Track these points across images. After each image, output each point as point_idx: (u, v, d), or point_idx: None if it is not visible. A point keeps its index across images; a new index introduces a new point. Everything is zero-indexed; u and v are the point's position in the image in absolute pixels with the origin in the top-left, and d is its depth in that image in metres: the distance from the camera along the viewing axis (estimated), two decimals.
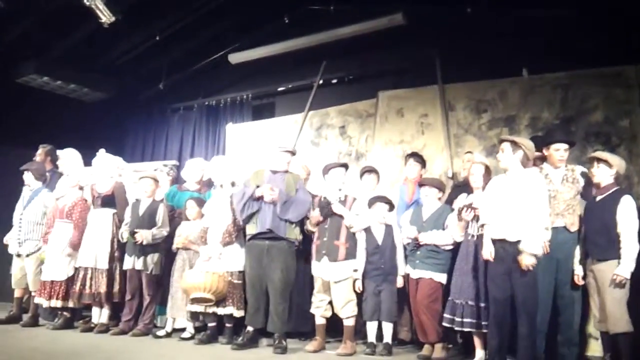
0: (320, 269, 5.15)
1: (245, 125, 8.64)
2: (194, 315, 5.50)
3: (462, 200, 4.90)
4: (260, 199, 5.20)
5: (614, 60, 5.84)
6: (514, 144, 4.37)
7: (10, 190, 6.83)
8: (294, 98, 8.45)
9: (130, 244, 5.71)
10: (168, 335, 5.65)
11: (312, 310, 5.21)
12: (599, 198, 4.42)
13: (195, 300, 5.27)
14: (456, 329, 4.68)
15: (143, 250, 5.68)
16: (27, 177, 6.51)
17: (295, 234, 5.25)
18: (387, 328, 5.06)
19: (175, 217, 6.02)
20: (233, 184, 5.69)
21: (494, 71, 6.54)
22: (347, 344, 5.01)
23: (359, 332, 5.36)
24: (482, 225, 4.43)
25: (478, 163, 4.93)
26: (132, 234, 5.65)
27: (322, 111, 7.78)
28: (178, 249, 5.72)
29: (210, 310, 5.35)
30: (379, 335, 5.08)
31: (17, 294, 6.46)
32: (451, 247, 4.95)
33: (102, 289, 5.77)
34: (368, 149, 7.22)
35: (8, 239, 6.48)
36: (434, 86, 6.88)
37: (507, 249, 4.21)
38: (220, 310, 5.34)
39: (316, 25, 7.56)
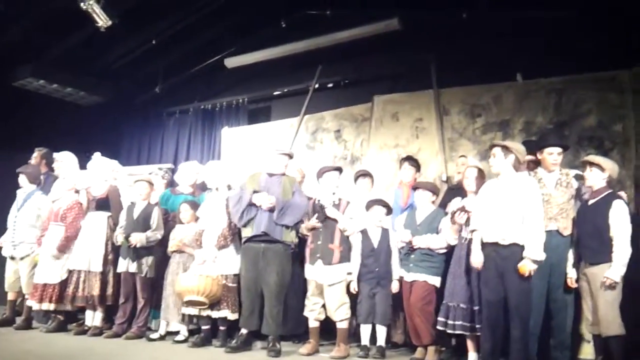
0: (314, 272, 5.16)
1: (241, 129, 8.65)
2: (188, 318, 5.50)
3: (456, 203, 4.91)
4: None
5: (608, 65, 5.87)
6: (505, 149, 4.39)
7: (6, 193, 6.82)
8: (290, 102, 8.47)
9: (124, 247, 5.71)
10: (162, 338, 5.64)
11: (306, 313, 5.21)
12: (591, 202, 4.44)
13: (189, 303, 5.27)
14: (449, 332, 4.69)
15: (137, 253, 5.68)
16: (22, 179, 6.52)
17: (291, 237, 5.25)
18: (381, 331, 5.06)
19: (169, 221, 6.03)
20: (229, 187, 5.70)
21: (489, 76, 6.56)
22: (341, 346, 5.02)
23: (353, 335, 5.36)
24: (472, 231, 4.46)
25: (472, 167, 4.96)
26: (127, 238, 5.65)
27: (318, 115, 7.80)
28: (172, 252, 5.72)
29: (204, 313, 5.35)
30: (373, 338, 5.07)
31: (10, 296, 6.45)
32: (445, 250, 4.97)
33: (96, 291, 5.76)
34: (363, 152, 7.23)
35: (2, 241, 6.47)
36: (429, 90, 6.90)
37: (500, 252, 4.23)
38: (215, 314, 5.34)
39: (312, 29, 7.58)
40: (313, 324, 5.19)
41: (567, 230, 4.58)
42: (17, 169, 6.61)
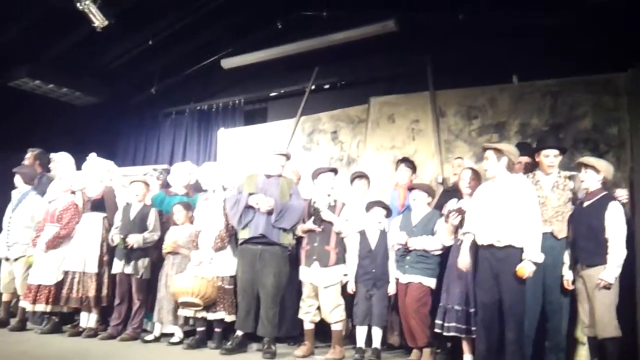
0: (310, 274, 5.16)
1: (237, 130, 8.64)
2: (183, 320, 5.48)
3: (452, 204, 4.92)
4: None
5: (603, 68, 5.88)
6: (498, 151, 4.40)
7: (2, 193, 6.81)
8: (286, 103, 8.48)
9: (120, 248, 5.69)
10: (156, 339, 5.62)
11: (301, 316, 5.21)
12: (586, 204, 4.44)
13: (183, 305, 5.26)
14: (445, 334, 4.69)
15: (133, 254, 5.67)
16: (17, 179, 6.51)
17: (288, 239, 5.25)
18: (377, 333, 5.06)
19: (163, 222, 6.01)
20: (224, 189, 5.69)
21: (485, 78, 6.58)
22: (336, 348, 5.02)
23: (348, 337, 5.36)
24: (464, 234, 4.47)
25: (467, 168, 4.97)
26: (124, 239, 5.64)
27: (314, 116, 7.80)
28: (167, 253, 5.71)
29: (199, 315, 5.34)
30: (368, 340, 5.07)
31: (4, 297, 6.44)
32: (440, 251, 4.98)
33: (91, 293, 5.74)
34: (359, 154, 7.24)
35: None
36: (425, 92, 6.91)
37: (495, 254, 4.24)
38: (211, 315, 5.33)
39: (309, 31, 7.59)
40: (308, 326, 5.18)
41: (561, 234, 4.58)
42: (12, 169, 6.59)
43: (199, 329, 5.42)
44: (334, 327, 5.07)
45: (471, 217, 4.48)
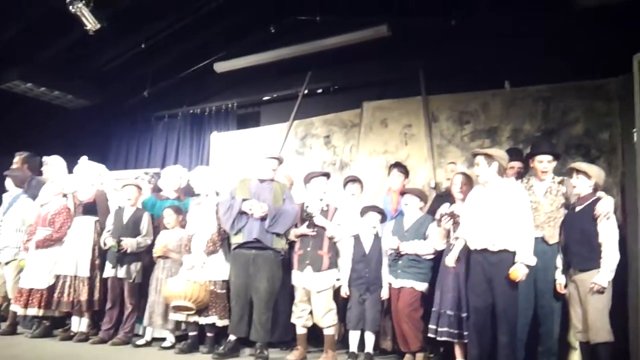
0: (302, 278, 5.14)
1: (230, 134, 8.63)
2: (175, 324, 5.46)
3: (444, 209, 4.93)
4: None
5: (595, 73, 5.92)
6: (488, 157, 4.42)
7: None
8: (279, 107, 8.48)
9: (112, 252, 5.66)
10: (148, 344, 5.60)
11: (294, 320, 5.19)
12: (578, 208, 4.46)
13: (176, 308, 5.24)
14: (438, 339, 4.70)
15: (126, 258, 5.65)
16: (8, 183, 6.48)
17: (281, 244, 5.24)
18: (369, 338, 5.05)
19: (155, 227, 5.98)
20: (217, 193, 5.67)
21: (477, 83, 6.60)
22: (329, 353, 5.01)
23: (341, 341, 5.36)
24: (456, 238, 4.49)
25: (459, 173, 5.00)
26: (119, 242, 5.61)
27: (307, 121, 7.80)
28: (157, 257, 5.68)
29: (191, 319, 5.31)
30: (361, 345, 5.07)
31: None
32: (432, 256, 4.99)
33: (83, 297, 5.71)
34: (352, 158, 7.24)
35: None
36: (418, 97, 6.93)
37: (489, 259, 4.25)
38: (203, 320, 5.30)
39: (302, 35, 7.59)
40: (301, 330, 5.17)
41: (552, 239, 4.60)
42: (3, 172, 6.55)
43: (191, 334, 5.39)
44: (326, 332, 5.06)
45: (464, 221, 4.50)
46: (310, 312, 5.12)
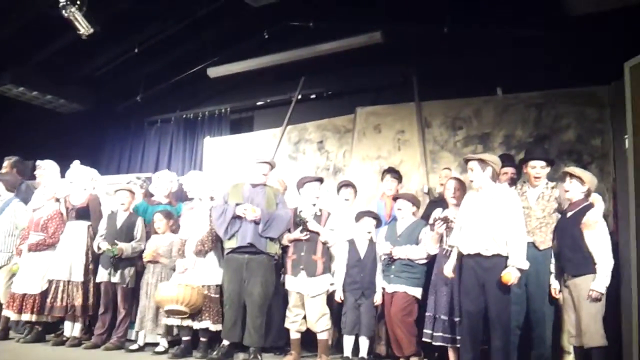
0: (296, 283, 5.14)
1: (223, 139, 8.64)
2: (166, 329, 5.44)
3: (437, 213, 4.95)
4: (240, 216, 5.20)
5: (587, 80, 5.98)
6: (482, 162, 4.44)
7: None
8: (273, 112, 8.50)
9: (105, 256, 5.65)
10: (141, 349, 5.58)
11: (287, 325, 5.19)
12: (569, 214, 4.48)
13: (170, 313, 5.22)
14: (434, 343, 4.71)
15: (119, 263, 5.63)
16: None
17: (275, 248, 5.24)
18: (363, 342, 5.07)
19: (146, 232, 5.97)
20: (212, 198, 5.67)
21: (469, 90, 6.65)
22: (323, 358, 5.02)
23: (335, 346, 5.36)
24: (451, 246, 4.51)
25: (452, 178, 5.02)
26: (113, 245, 5.59)
27: (301, 126, 7.82)
28: (147, 262, 5.65)
29: (185, 323, 5.29)
30: (355, 350, 5.07)
31: None
32: (425, 260, 5.01)
33: (78, 302, 5.67)
34: (346, 164, 7.27)
35: None
36: (411, 103, 6.97)
37: (482, 263, 4.27)
38: (196, 325, 5.28)
39: (295, 41, 7.60)
40: (294, 335, 5.17)
41: (543, 245, 4.62)
42: None
43: (184, 338, 5.37)
44: (320, 337, 5.06)
45: (458, 228, 4.52)
46: (304, 317, 5.12)
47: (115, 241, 5.63)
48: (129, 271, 5.69)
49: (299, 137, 7.79)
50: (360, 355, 5.04)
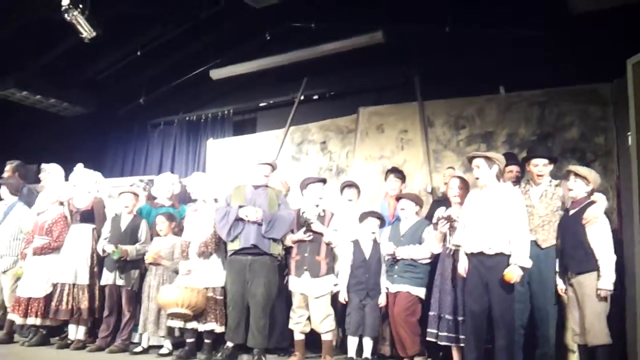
0: (300, 284, 5.14)
1: (226, 141, 8.64)
2: (168, 331, 5.43)
3: (440, 212, 4.94)
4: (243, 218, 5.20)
5: (590, 78, 5.96)
6: (488, 159, 4.43)
7: None
8: (276, 114, 8.49)
9: (110, 259, 5.65)
10: (145, 351, 5.57)
11: (291, 326, 5.19)
12: (572, 212, 4.47)
13: (173, 316, 5.22)
14: (440, 343, 4.70)
15: (124, 266, 5.63)
16: (3, 191, 6.45)
17: (278, 249, 5.25)
18: (367, 343, 5.06)
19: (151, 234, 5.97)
20: (216, 200, 5.67)
21: (472, 88, 6.64)
22: (327, 359, 5.01)
23: (339, 347, 5.35)
24: (457, 246, 4.49)
25: (455, 177, 5.01)
26: (116, 246, 5.59)
27: (303, 127, 7.82)
28: (149, 264, 5.65)
29: (189, 326, 5.29)
30: (359, 350, 5.07)
31: None
32: (429, 260, 5.00)
33: (84, 304, 5.69)
34: (349, 164, 7.26)
35: None
36: (414, 103, 6.97)
37: (485, 262, 4.26)
38: (201, 327, 5.28)
39: (297, 42, 7.60)
40: (298, 336, 5.17)
41: (545, 243, 4.60)
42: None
43: (188, 340, 5.37)
44: (324, 337, 5.06)
45: (462, 228, 4.50)
46: (308, 318, 5.12)
47: (119, 245, 5.63)
48: (134, 274, 5.70)
49: (301, 138, 7.79)
50: (364, 356, 5.02)
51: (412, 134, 6.90)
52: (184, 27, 7.60)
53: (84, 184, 6.18)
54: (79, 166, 6.33)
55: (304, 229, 5.20)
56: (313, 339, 5.22)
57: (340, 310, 5.24)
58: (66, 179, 6.48)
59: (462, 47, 6.78)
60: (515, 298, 4.34)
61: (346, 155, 7.35)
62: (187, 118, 9.41)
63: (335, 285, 5.17)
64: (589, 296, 4.23)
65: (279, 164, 7.10)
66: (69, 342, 5.80)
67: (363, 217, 5.30)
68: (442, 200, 5.45)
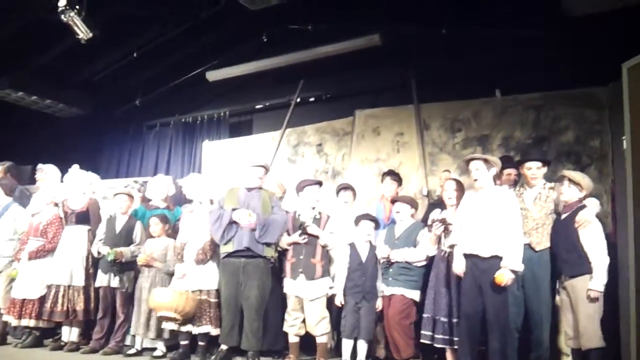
0: (295, 287, 5.13)
1: (222, 143, 8.62)
2: (157, 333, 5.42)
3: (435, 214, 4.94)
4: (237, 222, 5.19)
5: (585, 82, 5.96)
6: (487, 162, 4.45)
7: None
8: (272, 116, 8.48)
9: (104, 261, 5.63)
10: (139, 353, 5.56)
11: (286, 329, 5.17)
12: (564, 216, 4.51)
13: (162, 318, 5.21)
14: (436, 345, 4.69)
15: (120, 267, 5.62)
16: None
17: (271, 252, 5.24)
18: (362, 346, 5.04)
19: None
20: (212, 202, 5.66)
21: (468, 91, 6.64)
22: None
23: (333, 349, 5.34)
24: (452, 246, 4.49)
25: (450, 179, 5.01)
26: (115, 252, 5.57)
27: (300, 129, 7.81)
28: (141, 266, 5.63)
29: (184, 328, 5.27)
30: (354, 353, 5.05)
31: None
32: (424, 262, 4.99)
33: (79, 306, 5.67)
34: (345, 166, 7.25)
35: None
36: (410, 105, 6.96)
37: (479, 265, 4.26)
38: (196, 329, 5.26)
39: (294, 44, 7.61)
40: (293, 339, 5.15)
41: (539, 245, 4.61)
42: None
43: (182, 343, 5.36)
44: (319, 340, 5.05)
45: (457, 228, 4.50)
46: (303, 321, 5.11)
47: (114, 246, 5.61)
48: (128, 275, 5.68)
49: (298, 140, 7.78)
50: (358, 359, 5.01)
51: (408, 136, 6.90)
52: (180, 29, 7.60)
53: (79, 185, 6.16)
54: (75, 167, 6.31)
55: (299, 231, 5.19)
56: (308, 342, 5.21)
57: (335, 313, 5.22)
58: (62, 180, 6.46)
59: (459, 50, 6.79)
60: (511, 302, 4.34)
61: (342, 158, 7.34)
62: (183, 119, 9.40)
63: (331, 288, 5.16)
64: (583, 299, 4.26)
65: (275, 167, 7.14)
66: (62, 343, 5.78)
67: (357, 220, 5.30)
68: (438, 204, 5.44)
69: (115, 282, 5.63)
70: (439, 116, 6.78)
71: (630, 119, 4.49)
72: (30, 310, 5.77)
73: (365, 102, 7.55)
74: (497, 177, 4.50)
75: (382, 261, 5.14)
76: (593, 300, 4.22)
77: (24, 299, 5.79)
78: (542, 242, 4.60)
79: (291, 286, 5.16)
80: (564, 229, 4.45)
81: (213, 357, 5.16)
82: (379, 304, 5.10)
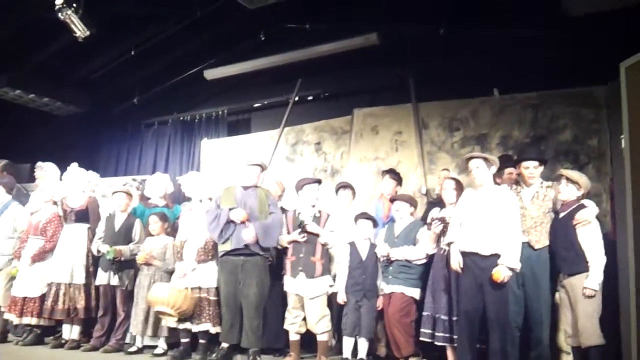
0: (295, 285, 5.15)
1: (220, 141, 8.63)
2: (153, 331, 5.45)
3: (434, 213, 4.96)
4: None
5: (583, 81, 6.00)
6: (487, 161, 4.48)
7: None
8: (270, 114, 8.49)
9: (104, 259, 5.64)
10: (139, 351, 5.57)
11: (287, 327, 5.18)
12: (562, 215, 4.54)
13: (159, 314, 5.23)
14: (436, 343, 4.71)
15: (120, 265, 5.62)
16: None
17: (269, 250, 5.25)
18: (362, 344, 5.07)
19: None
20: (211, 200, 5.67)
21: (466, 90, 6.66)
22: (322, 359, 5.01)
23: (333, 347, 5.36)
24: (449, 244, 4.52)
25: (449, 178, 5.03)
26: (114, 250, 5.58)
27: (298, 127, 7.83)
28: (140, 264, 5.64)
29: (182, 326, 5.29)
30: (355, 351, 5.08)
31: None
32: (424, 260, 5.01)
33: (80, 304, 5.69)
34: (343, 165, 7.27)
35: None
36: (408, 104, 6.99)
37: (478, 263, 4.29)
38: (196, 327, 5.28)
39: (292, 42, 7.62)
40: (293, 337, 5.17)
41: (538, 244, 4.63)
42: None
43: (183, 341, 5.37)
44: (320, 338, 5.07)
45: (455, 225, 4.53)
46: (304, 319, 5.12)
47: (114, 244, 5.61)
48: (128, 273, 5.70)
49: (296, 139, 7.79)
50: (359, 357, 5.03)
51: (407, 135, 6.92)
52: (178, 27, 7.59)
53: (78, 183, 6.16)
54: (74, 165, 6.31)
55: (299, 229, 5.20)
56: (308, 339, 5.23)
57: (336, 311, 5.24)
58: (60, 178, 6.45)
59: (457, 49, 6.82)
60: (511, 300, 4.37)
61: (341, 157, 7.36)
62: (181, 118, 9.40)
63: (331, 286, 5.18)
64: (581, 297, 4.28)
65: (273, 165, 7.14)
66: (63, 341, 5.80)
67: (356, 219, 5.32)
68: (437, 202, 5.47)
69: (115, 280, 5.65)
70: (438, 115, 6.80)
71: (628, 118, 4.51)
72: (31, 308, 5.78)
73: (363, 100, 7.57)
74: (497, 176, 4.51)
75: (382, 259, 5.16)
76: (588, 297, 4.26)
77: (25, 297, 5.81)
78: (541, 240, 4.62)
79: (291, 284, 5.18)
80: (562, 227, 4.49)
81: (214, 355, 5.18)
82: (379, 302, 5.12)
